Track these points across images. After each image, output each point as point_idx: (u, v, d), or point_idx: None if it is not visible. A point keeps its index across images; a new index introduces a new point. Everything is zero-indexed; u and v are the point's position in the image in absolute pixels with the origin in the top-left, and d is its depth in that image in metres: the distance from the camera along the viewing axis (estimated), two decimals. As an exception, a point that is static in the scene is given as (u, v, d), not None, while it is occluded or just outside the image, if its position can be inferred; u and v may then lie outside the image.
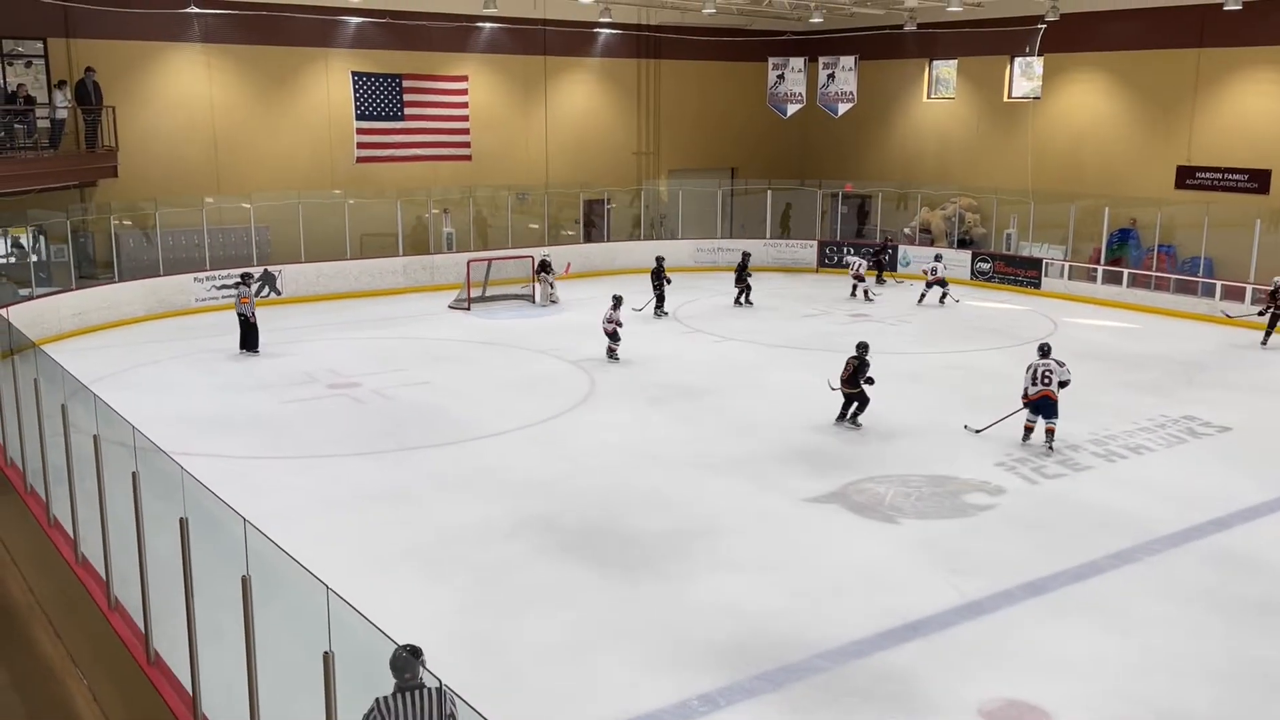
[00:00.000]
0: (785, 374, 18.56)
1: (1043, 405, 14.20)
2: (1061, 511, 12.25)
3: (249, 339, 19.69)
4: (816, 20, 29.88)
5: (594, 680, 8.65)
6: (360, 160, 27.64)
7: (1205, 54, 25.47)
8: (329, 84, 27.05)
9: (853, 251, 28.49)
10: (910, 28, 29.12)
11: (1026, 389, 14.35)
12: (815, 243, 30.75)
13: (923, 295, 25.45)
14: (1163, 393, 17.41)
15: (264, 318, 20.45)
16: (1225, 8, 23.17)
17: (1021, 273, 27.25)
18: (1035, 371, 14.31)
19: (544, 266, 25.07)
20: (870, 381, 15.16)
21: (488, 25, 28.89)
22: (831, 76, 30.15)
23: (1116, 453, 14.33)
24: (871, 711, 8.17)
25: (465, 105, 29.10)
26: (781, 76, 30.66)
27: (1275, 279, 21.52)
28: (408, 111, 28.21)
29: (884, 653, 9.02)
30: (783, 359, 19.74)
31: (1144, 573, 10.66)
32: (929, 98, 32.48)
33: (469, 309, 24.22)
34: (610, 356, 19.15)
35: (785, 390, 17.44)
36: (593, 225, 31.14)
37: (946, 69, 32.02)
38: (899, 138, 33.04)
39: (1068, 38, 27.53)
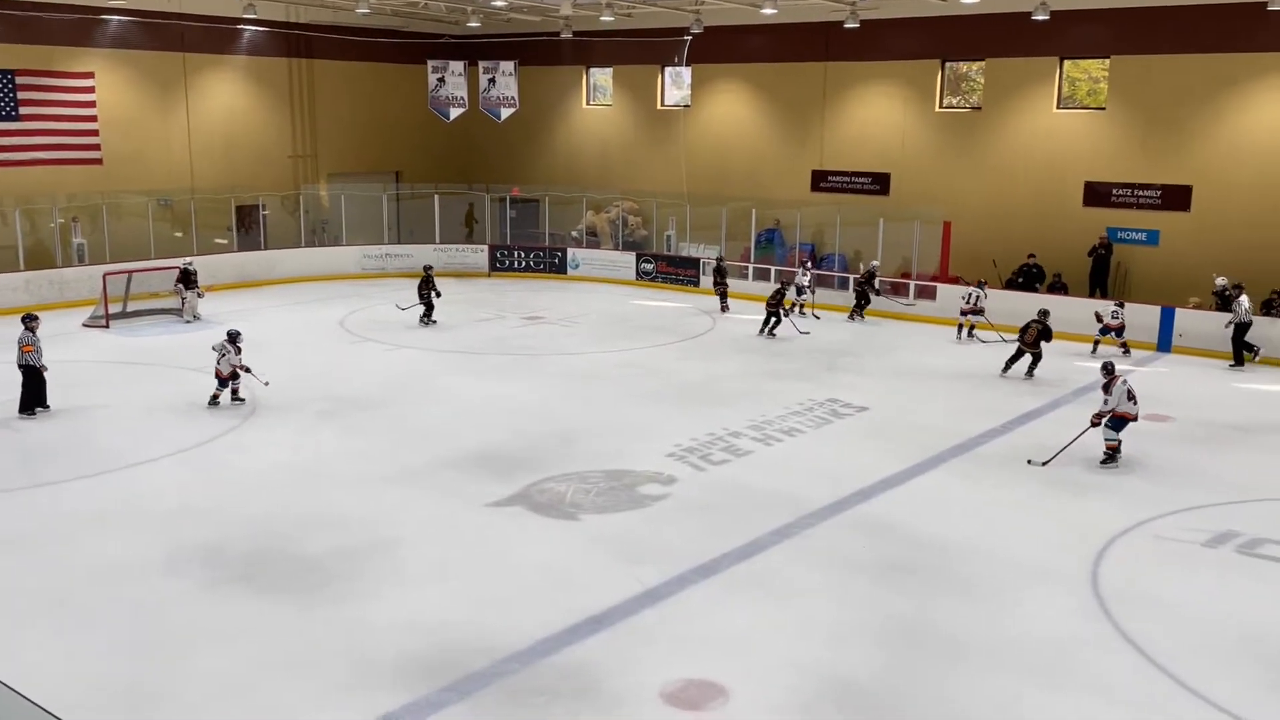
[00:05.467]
0: (461, 379, 18.37)
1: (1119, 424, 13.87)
2: (727, 495, 12.94)
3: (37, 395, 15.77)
4: (474, 25, 29.84)
5: (271, 715, 8.11)
6: (-33, 164, 24.49)
7: (831, 67, 27.94)
8: (-78, 77, 23.74)
9: (804, 271, 24.19)
10: (566, 35, 29.79)
11: (1115, 408, 13.68)
12: (487, 247, 30.72)
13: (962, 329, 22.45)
14: (808, 378, 18.86)
15: None
16: (845, 25, 25.58)
17: (682, 272, 28.62)
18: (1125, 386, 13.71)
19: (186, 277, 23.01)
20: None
21: (115, 18, 26.47)
22: (493, 81, 30.23)
23: (773, 436, 15.36)
24: (559, 709, 8.21)
25: (92, 104, 26.51)
26: (442, 80, 30.34)
27: (870, 265, 24.76)
28: (23, 110, 25.32)
29: (569, 649, 9.11)
30: (457, 365, 19.53)
31: (801, 545, 11.48)
32: (588, 104, 33.41)
33: (108, 326, 22.06)
34: (234, 397, 16.34)
35: (462, 396, 17.27)
36: (247, 230, 29.32)
37: (604, 77, 33.08)
38: (562, 142, 33.72)
39: (712, 49, 29.25)
